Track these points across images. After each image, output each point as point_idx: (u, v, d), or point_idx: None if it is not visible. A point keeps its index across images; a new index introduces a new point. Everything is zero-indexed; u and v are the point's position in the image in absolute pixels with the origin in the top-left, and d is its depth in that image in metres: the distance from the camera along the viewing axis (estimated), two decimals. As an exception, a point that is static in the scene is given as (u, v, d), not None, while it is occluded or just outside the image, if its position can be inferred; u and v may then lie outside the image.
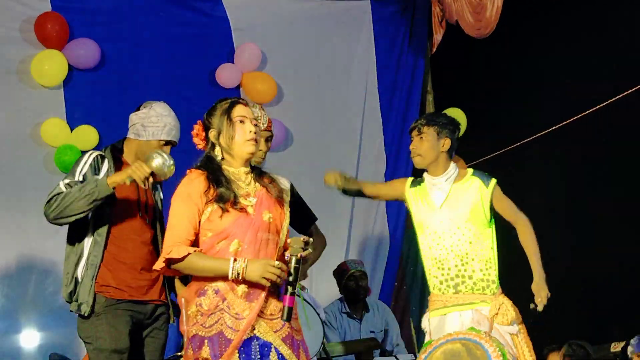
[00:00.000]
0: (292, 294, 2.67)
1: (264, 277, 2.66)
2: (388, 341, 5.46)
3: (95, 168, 3.41)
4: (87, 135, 5.40)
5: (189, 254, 2.70)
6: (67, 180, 3.33)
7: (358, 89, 6.63)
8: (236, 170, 2.89)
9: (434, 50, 6.89)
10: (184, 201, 2.79)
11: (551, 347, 5.40)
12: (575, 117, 5.67)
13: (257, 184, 2.90)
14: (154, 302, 3.46)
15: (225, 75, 6.00)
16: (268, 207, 2.85)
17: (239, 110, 2.91)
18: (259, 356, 2.69)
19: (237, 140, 2.86)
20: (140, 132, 3.44)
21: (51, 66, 5.36)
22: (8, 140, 5.31)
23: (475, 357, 3.09)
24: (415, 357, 5.11)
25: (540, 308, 3.38)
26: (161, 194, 3.64)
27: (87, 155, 3.46)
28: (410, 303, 6.57)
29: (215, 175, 2.82)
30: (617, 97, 5.35)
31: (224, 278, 2.72)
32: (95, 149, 5.31)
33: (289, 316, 2.68)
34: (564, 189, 5.91)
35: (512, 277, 3.70)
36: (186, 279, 3.74)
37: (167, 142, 3.49)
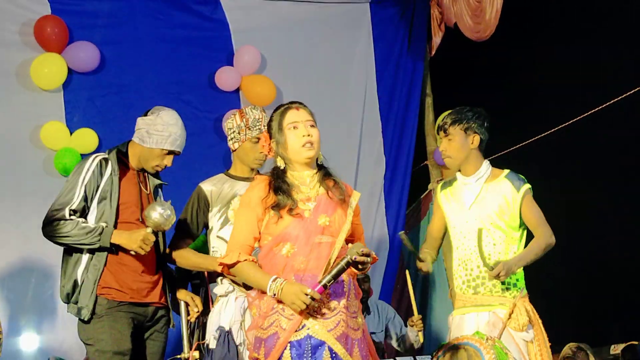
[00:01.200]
0: (324, 286, 2.71)
1: (295, 303, 2.70)
2: (393, 332, 5.44)
3: (99, 174, 3.41)
4: (87, 138, 5.40)
5: (238, 261, 2.82)
6: (73, 206, 3.34)
7: (357, 92, 6.63)
8: (300, 174, 2.92)
9: (433, 52, 6.90)
10: (245, 207, 2.90)
11: (552, 349, 5.40)
12: (574, 120, 5.68)
13: (321, 187, 2.93)
14: (154, 305, 3.46)
15: (225, 78, 6.01)
16: (326, 210, 2.88)
17: (290, 117, 2.92)
18: (311, 354, 2.72)
19: (291, 148, 2.88)
20: (145, 138, 3.44)
21: (51, 69, 5.36)
22: (8, 144, 5.31)
23: None
24: (415, 358, 5.13)
25: (490, 275, 3.33)
26: (161, 198, 3.65)
27: (90, 160, 3.45)
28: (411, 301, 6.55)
29: (277, 181, 2.88)
30: (615, 100, 5.36)
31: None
32: (95, 152, 5.33)
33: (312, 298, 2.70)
34: (562, 191, 5.92)
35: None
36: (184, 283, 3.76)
37: (170, 152, 3.49)
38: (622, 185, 5.51)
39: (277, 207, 2.83)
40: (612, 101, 5.36)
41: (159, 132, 3.42)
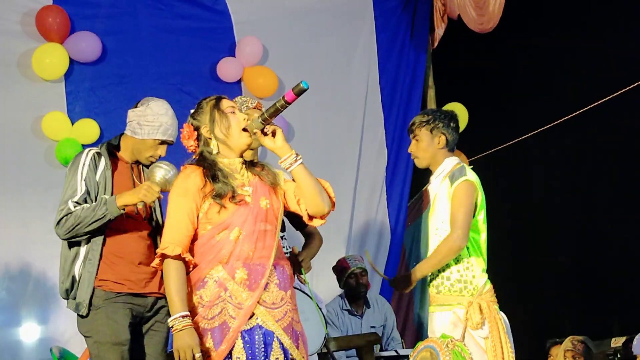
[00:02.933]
0: (265, 120, 2.76)
1: (179, 351, 2.66)
2: (385, 334, 5.48)
3: (94, 167, 3.41)
4: (88, 128, 5.39)
5: (178, 256, 2.74)
6: (75, 198, 3.33)
7: (359, 84, 6.61)
8: (231, 161, 2.90)
9: (436, 45, 6.88)
10: (182, 197, 2.80)
11: (553, 341, 5.41)
12: (578, 112, 5.66)
13: (249, 173, 2.91)
14: (153, 295, 3.45)
15: (227, 69, 5.99)
16: (264, 193, 2.87)
17: (226, 103, 2.94)
18: (262, 345, 2.71)
19: (233, 129, 2.87)
20: (136, 129, 3.44)
21: (52, 60, 5.35)
22: (9, 134, 5.30)
23: None
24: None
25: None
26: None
27: (83, 155, 3.44)
28: (414, 298, 6.57)
29: (212, 170, 2.83)
30: (619, 92, 5.34)
31: (222, 265, 2.75)
32: (97, 142, 5.33)
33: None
34: (565, 183, 5.91)
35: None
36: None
37: (163, 142, 3.48)
38: (623, 180, 5.50)
39: (218, 196, 2.78)
40: (616, 93, 5.34)
41: (150, 122, 3.41)
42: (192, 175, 2.83)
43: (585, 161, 5.77)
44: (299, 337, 2.83)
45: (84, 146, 5.25)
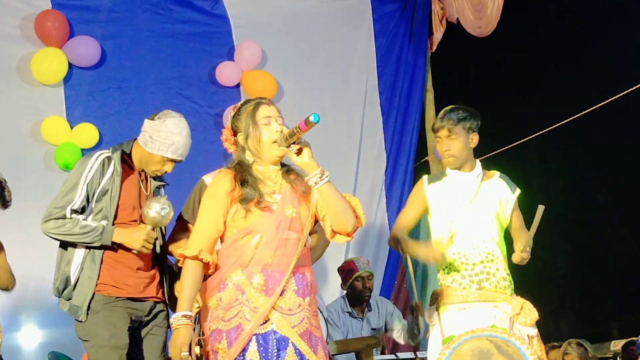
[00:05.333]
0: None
1: (171, 347, 2.74)
2: (394, 323, 5.42)
3: (101, 174, 3.40)
4: (87, 133, 5.39)
5: (196, 257, 2.79)
6: (74, 206, 3.34)
7: (358, 87, 6.62)
8: (265, 169, 2.92)
9: (434, 48, 6.89)
10: (210, 200, 2.86)
11: (552, 345, 5.41)
12: (576, 116, 5.67)
13: (284, 180, 2.92)
14: (152, 299, 3.46)
15: (226, 73, 6.00)
16: (292, 202, 2.88)
17: (262, 112, 2.92)
18: (276, 350, 2.73)
19: (264, 142, 2.87)
20: (148, 142, 3.42)
21: (51, 64, 5.35)
22: (8, 138, 5.30)
23: (507, 354, 3.07)
24: (416, 354, 5.12)
25: (519, 256, 3.38)
26: (162, 195, 3.64)
27: (93, 158, 3.42)
28: (411, 301, 6.56)
29: (243, 175, 2.86)
30: (619, 94, 5.35)
31: (242, 269, 2.79)
32: (96, 147, 5.33)
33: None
34: (563, 187, 5.92)
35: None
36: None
37: (171, 159, 3.47)
38: (622, 182, 5.50)
39: (244, 200, 2.81)
40: (616, 96, 5.35)
41: (162, 139, 3.39)
42: (223, 180, 2.88)
43: (584, 163, 5.78)
44: (318, 343, 2.84)
45: (83, 150, 5.25)
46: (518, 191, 3.61)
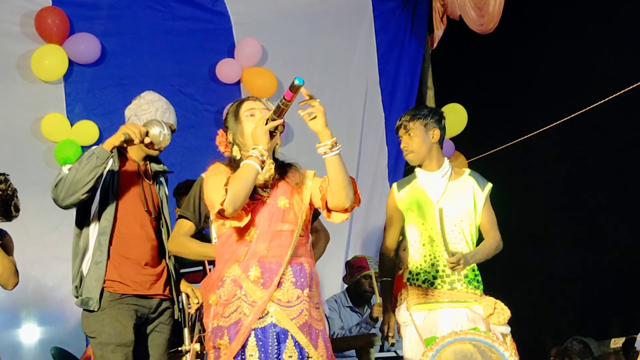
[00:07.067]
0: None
1: None
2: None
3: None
4: (88, 130, 5.39)
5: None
6: (69, 165, 3.33)
7: (359, 84, 6.62)
8: None
9: (435, 45, 6.88)
10: (216, 176, 2.81)
11: (554, 342, 5.41)
12: (577, 113, 5.66)
13: (276, 174, 2.92)
14: (158, 297, 3.46)
15: (226, 71, 6.00)
16: (284, 193, 2.88)
17: (246, 106, 2.95)
18: (275, 343, 2.73)
19: (247, 134, 2.87)
20: (135, 122, 3.45)
21: (51, 61, 5.35)
22: (8, 135, 5.30)
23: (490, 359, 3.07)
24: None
25: (448, 262, 3.30)
26: (166, 190, 3.65)
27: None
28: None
29: (234, 169, 2.85)
30: (619, 93, 5.35)
31: (239, 263, 2.78)
32: (96, 144, 5.32)
33: None
34: (564, 184, 5.92)
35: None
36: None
37: None
38: (623, 180, 5.50)
39: None
40: (617, 94, 5.35)
41: (146, 110, 3.45)
42: (221, 167, 2.90)
43: (584, 161, 5.77)
44: (319, 336, 2.83)
45: (83, 148, 5.25)
46: (489, 187, 3.59)
